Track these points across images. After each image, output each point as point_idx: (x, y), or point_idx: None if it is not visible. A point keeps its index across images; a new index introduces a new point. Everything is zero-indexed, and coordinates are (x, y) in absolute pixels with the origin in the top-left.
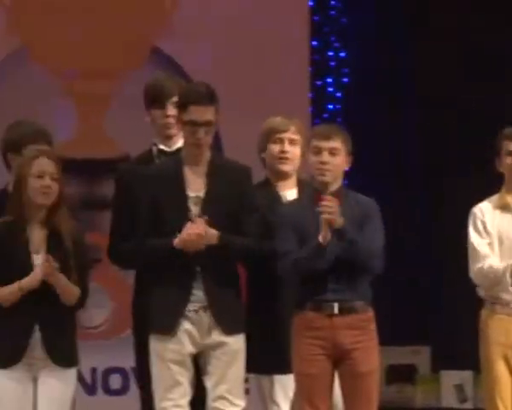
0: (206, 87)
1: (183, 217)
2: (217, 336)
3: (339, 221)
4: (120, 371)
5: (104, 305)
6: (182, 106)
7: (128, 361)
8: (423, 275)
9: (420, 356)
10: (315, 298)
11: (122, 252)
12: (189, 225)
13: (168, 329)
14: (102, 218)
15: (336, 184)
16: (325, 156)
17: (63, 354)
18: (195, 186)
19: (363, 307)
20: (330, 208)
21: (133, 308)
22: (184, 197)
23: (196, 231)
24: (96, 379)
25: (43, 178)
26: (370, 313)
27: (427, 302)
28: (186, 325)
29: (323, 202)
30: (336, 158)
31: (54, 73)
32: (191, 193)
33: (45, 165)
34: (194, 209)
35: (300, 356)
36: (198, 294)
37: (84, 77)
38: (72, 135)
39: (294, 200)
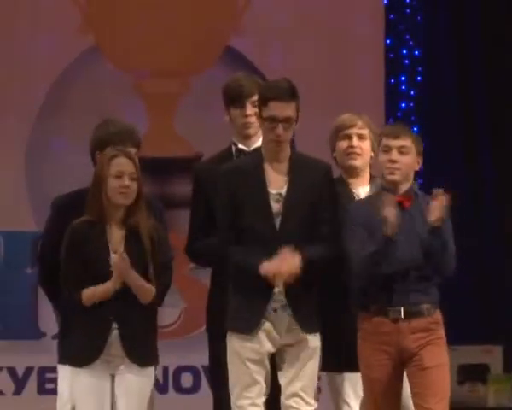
0: (287, 83)
1: (265, 214)
2: (295, 335)
3: (439, 219)
4: (192, 369)
5: (176, 304)
6: (262, 102)
7: (199, 360)
8: (495, 273)
9: (492, 356)
10: (380, 302)
11: (202, 251)
12: (278, 260)
13: (248, 328)
14: (174, 217)
15: (407, 184)
16: (394, 155)
17: (140, 352)
18: (276, 183)
19: (431, 310)
20: (441, 205)
21: (208, 308)
22: (266, 194)
23: (284, 270)
24: (168, 378)
25: (121, 178)
26: (438, 316)
27: (499, 301)
28: (265, 325)
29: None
30: (406, 157)
31: (125, 72)
32: (272, 190)
33: (124, 165)
34: (275, 207)
35: (365, 360)
36: (278, 293)
37: (155, 76)
38: (143, 134)
39: (365, 198)
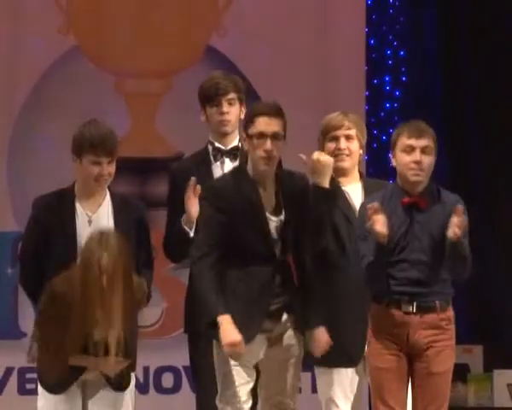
0: (273, 102)
1: (265, 240)
2: (288, 338)
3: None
4: (173, 369)
5: (157, 304)
6: (249, 120)
7: (180, 360)
8: (475, 273)
9: (472, 355)
10: (394, 295)
11: (177, 252)
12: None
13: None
14: (154, 217)
15: (425, 183)
16: (418, 155)
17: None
18: (269, 205)
19: (443, 306)
20: (461, 222)
21: (186, 308)
22: (264, 220)
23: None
24: (149, 378)
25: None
26: (450, 313)
27: (480, 301)
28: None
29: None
30: (429, 157)
31: (107, 72)
32: (272, 216)
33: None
34: (274, 233)
35: (375, 351)
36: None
37: (136, 76)
38: (125, 134)
39: (380, 196)
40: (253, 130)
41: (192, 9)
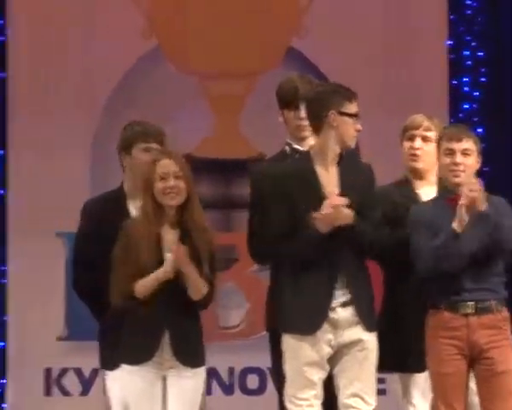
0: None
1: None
2: (354, 333)
3: (482, 204)
4: (257, 371)
5: (241, 305)
6: (345, 98)
7: (265, 361)
8: None
9: None
10: (451, 297)
11: (262, 251)
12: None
13: (308, 329)
14: (238, 218)
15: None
16: (459, 157)
17: (190, 355)
18: (330, 185)
19: (498, 307)
20: (475, 187)
21: (267, 308)
22: (321, 197)
23: (335, 203)
24: (234, 379)
25: (166, 179)
26: (505, 313)
27: None
28: (324, 325)
29: (469, 184)
30: (469, 159)
31: (189, 74)
32: (327, 194)
33: (168, 166)
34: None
35: (436, 356)
36: (338, 292)
37: (219, 78)
38: (208, 135)
39: (430, 200)
40: (352, 109)
41: (273, 10)
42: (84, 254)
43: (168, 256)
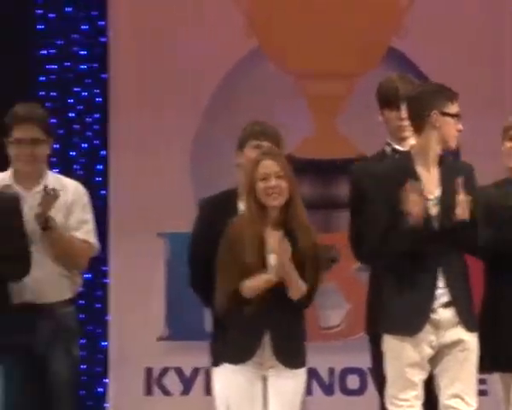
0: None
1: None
2: (455, 334)
3: None
4: (358, 371)
5: (341, 305)
6: (447, 99)
7: (365, 362)
8: None
9: None
10: None
11: (367, 251)
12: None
13: (410, 330)
14: (338, 218)
15: None
16: None
17: (291, 355)
18: (431, 186)
19: None
20: None
21: (368, 310)
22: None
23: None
24: (334, 379)
25: (268, 179)
26: None
27: None
28: (426, 326)
29: None
30: None
31: (289, 74)
32: (429, 195)
33: (269, 166)
34: (433, 210)
35: None
36: (439, 292)
37: (318, 77)
38: (307, 135)
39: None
40: (453, 109)
41: (373, 10)
42: (197, 253)
43: (272, 258)
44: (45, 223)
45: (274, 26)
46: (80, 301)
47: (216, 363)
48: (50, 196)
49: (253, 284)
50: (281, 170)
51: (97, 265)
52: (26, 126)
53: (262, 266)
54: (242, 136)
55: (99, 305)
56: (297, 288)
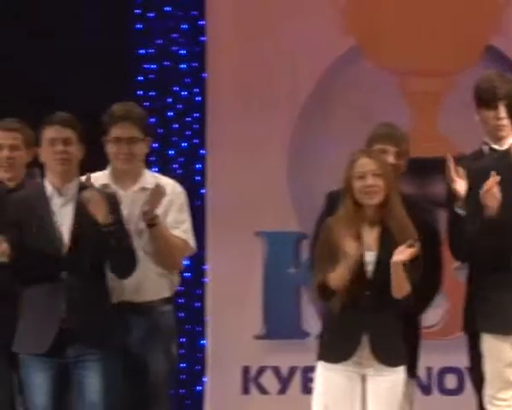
0: None
1: None
2: None
3: None
4: (456, 370)
5: (440, 304)
6: None
7: (463, 361)
8: None
9: None
10: None
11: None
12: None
13: (508, 329)
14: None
15: None
16: None
17: (389, 355)
18: None
19: None
20: None
21: (466, 309)
22: None
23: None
24: (432, 379)
25: (364, 178)
26: None
27: None
28: None
29: None
30: None
31: (387, 72)
32: None
33: (365, 165)
34: None
35: None
36: None
37: (417, 75)
38: (407, 133)
39: None
40: None
41: (472, 7)
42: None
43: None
44: (152, 220)
45: (371, 24)
46: (180, 300)
47: (318, 360)
48: (158, 194)
49: (337, 275)
50: (377, 168)
51: (197, 264)
52: (124, 125)
53: (359, 264)
54: (368, 138)
55: (198, 304)
56: (400, 286)
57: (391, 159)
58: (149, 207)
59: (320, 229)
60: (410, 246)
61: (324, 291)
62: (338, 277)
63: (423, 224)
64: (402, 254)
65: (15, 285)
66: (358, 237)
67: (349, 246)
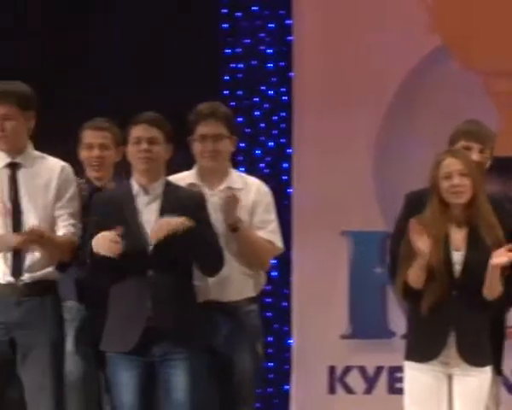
0: None
1: None
2: None
3: None
4: None
5: None
6: None
7: None
8: None
9: None
10: None
11: None
12: None
13: None
14: None
15: None
16: None
17: (475, 355)
18: None
19: None
20: None
21: None
22: None
23: None
24: None
25: (450, 178)
26: None
27: None
28: None
29: None
30: None
31: (473, 72)
32: None
33: (451, 164)
34: None
35: None
36: None
37: (503, 76)
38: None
39: None
40: None
41: None
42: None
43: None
44: (234, 224)
45: (458, 23)
46: (267, 300)
47: (405, 360)
48: (232, 200)
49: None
50: (464, 168)
51: (284, 263)
52: (209, 122)
53: (446, 264)
54: (452, 135)
55: (285, 303)
56: (492, 288)
57: (475, 156)
58: (226, 215)
59: (398, 230)
60: (510, 250)
61: (408, 291)
62: (414, 276)
63: (507, 223)
64: (502, 256)
65: (102, 284)
66: (446, 238)
67: (422, 243)
